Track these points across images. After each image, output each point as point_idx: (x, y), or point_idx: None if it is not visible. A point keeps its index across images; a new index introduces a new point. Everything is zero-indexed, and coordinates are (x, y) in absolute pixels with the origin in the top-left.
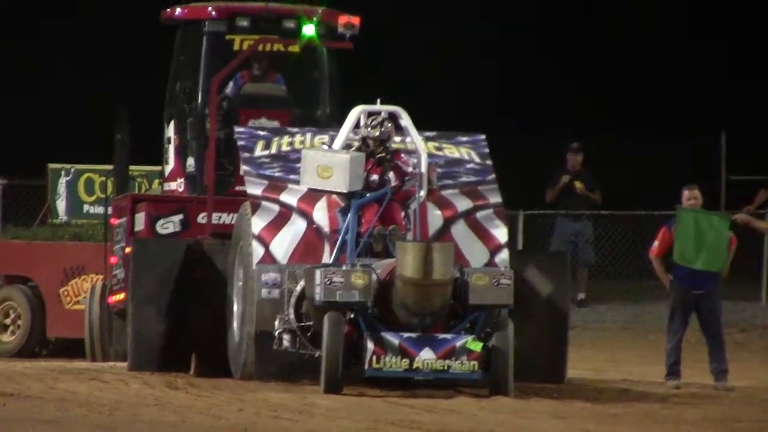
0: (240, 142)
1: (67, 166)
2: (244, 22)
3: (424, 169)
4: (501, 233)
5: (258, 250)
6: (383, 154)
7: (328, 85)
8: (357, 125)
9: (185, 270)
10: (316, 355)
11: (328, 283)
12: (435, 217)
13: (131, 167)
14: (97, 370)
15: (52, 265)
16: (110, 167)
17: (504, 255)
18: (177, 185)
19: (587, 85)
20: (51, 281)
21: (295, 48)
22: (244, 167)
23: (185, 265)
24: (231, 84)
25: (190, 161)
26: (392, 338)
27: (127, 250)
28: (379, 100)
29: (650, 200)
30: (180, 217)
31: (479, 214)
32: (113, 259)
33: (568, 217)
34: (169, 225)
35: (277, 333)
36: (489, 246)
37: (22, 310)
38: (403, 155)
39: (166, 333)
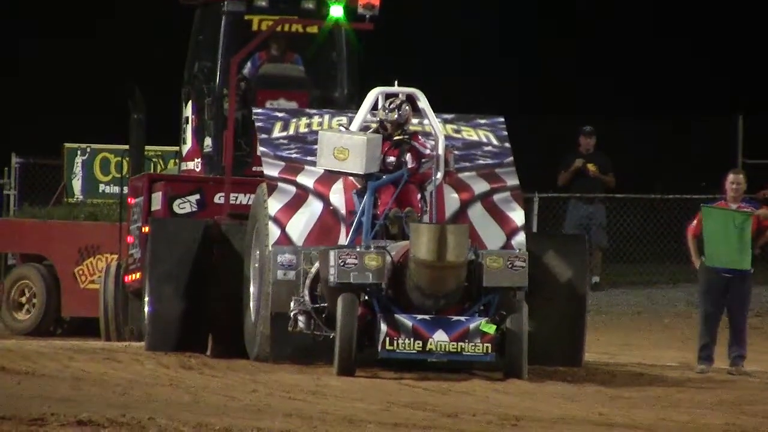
0: (258, 124)
1: (83, 145)
2: (262, 2)
3: (441, 151)
4: (518, 216)
5: (274, 232)
6: (401, 137)
7: (347, 66)
8: (375, 107)
9: (203, 250)
10: (331, 336)
11: (342, 264)
12: (452, 199)
13: (147, 147)
14: (111, 350)
15: (68, 245)
16: (126, 147)
17: (520, 238)
18: (194, 165)
19: (603, 67)
20: (66, 260)
21: (313, 29)
22: (261, 148)
23: (203, 246)
24: (249, 64)
25: (208, 141)
26: (406, 320)
27: (144, 229)
28: (396, 82)
29: (665, 183)
30: (197, 197)
31: (496, 197)
32: (130, 239)
33: (581, 200)
34: (186, 205)
35: (292, 314)
36: (505, 229)
37: (38, 289)
38: (420, 137)
39: (183, 313)
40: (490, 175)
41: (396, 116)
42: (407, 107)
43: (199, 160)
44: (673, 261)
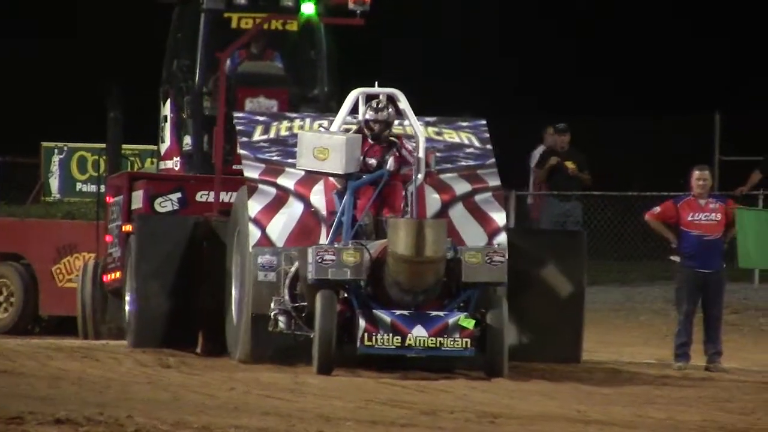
0: (239, 127)
1: (60, 144)
2: (242, 0)
3: (421, 152)
4: (499, 216)
5: (254, 233)
6: (392, 138)
7: (326, 64)
8: (355, 108)
9: (191, 247)
10: (311, 336)
11: (319, 261)
12: (433, 200)
13: (124, 146)
14: (89, 348)
15: (45, 243)
16: (103, 146)
17: (502, 238)
18: (173, 164)
19: (579, 65)
20: (44, 259)
21: (292, 26)
22: (241, 151)
23: (191, 242)
24: (229, 63)
25: (187, 139)
26: (384, 315)
27: (124, 228)
28: (377, 83)
29: (641, 181)
30: (178, 195)
31: (478, 198)
32: (108, 238)
33: (558, 197)
34: (167, 203)
35: (272, 314)
36: (487, 229)
37: (15, 287)
38: (402, 137)
39: (169, 310)
40: (472, 176)
41: (386, 115)
42: (392, 107)
43: (178, 158)
44: (650, 258)
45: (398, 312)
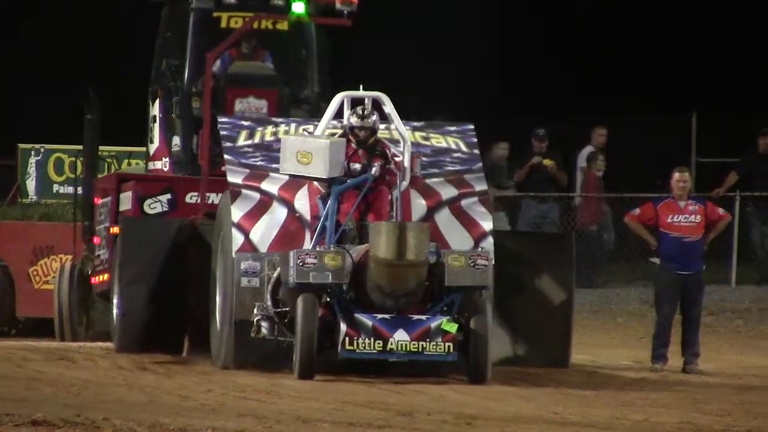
0: (223, 132)
1: (37, 146)
2: None
3: (407, 156)
4: (486, 221)
5: (238, 238)
6: (374, 144)
7: (317, 64)
8: (339, 114)
9: (176, 250)
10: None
11: (301, 264)
12: (418, 205)
13: (101, 147)
14: (66, 350)
15: (22, 245)
16: (80, 147)
17: (488, 243)
18: (162, 165)
19: (556, 67)
20: (20, 261)
21: (283, 26)
22: (226, 156)
23: (176, 245)
24: (218, 62)
25: (176, 140)
26: (366, 319)
27: (112, 230)
28: (361, 86)
29: (619, 182)
30: (168, 196)
31: (464, 202)
32: (96, 240)
33: (534, 198)
34: (156, 205)
35: (255, 320)
36: (473, 234)
37: None
38: (387, 142)
39: (154, 314)
40: (459, 181)
41: (371, 122)
42: (376, 113)
43: (167, 159)
44: (627, 260)
45: (380, 316)
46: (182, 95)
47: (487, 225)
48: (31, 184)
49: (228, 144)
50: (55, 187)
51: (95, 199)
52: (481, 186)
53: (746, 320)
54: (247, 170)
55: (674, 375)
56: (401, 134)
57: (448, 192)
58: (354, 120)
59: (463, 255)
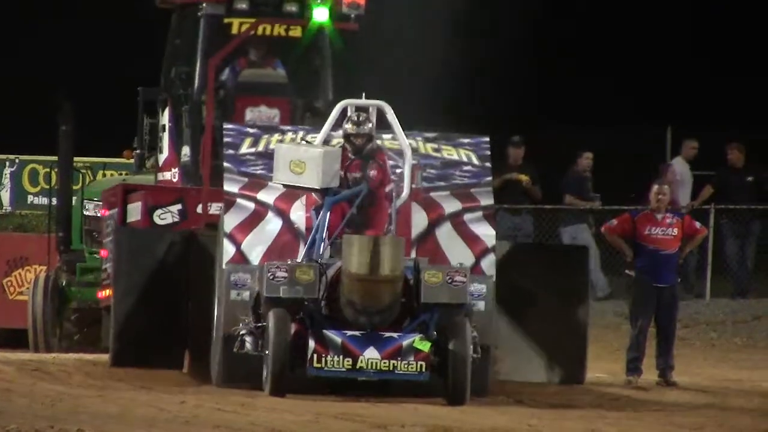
0: (226, 139)
1: (12, 156)
2: (242, 5)
3: (407, 167)
4: (488, 237)
5: (229, 249)
6: (371, 153)
7: (331, 72)
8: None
9: (176, 262)
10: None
11: (271, 278)
12: (419, 218)
13: (75, 158)
14: (40, 361)
15: None
16: (55, 158)
17: (490, 260)
18: (171, 175)
19: (539, 78)
20: None
21: (296, 32)
22: (225, 164)
23: (176, 257)
24: (228, 71)
25: (186, 150)
26: (335, 336)
27: None
28: (363, 94)
29: (593, 194)
30: (179, 207)
31: (467, 216)
32: (103, 253)
33: (508, 210)
34: (167, 215)
35: (239, 334)
36: (475, 250)
37: None
38: (387, 152)
39: (152, 328)
40: (464, 195)
41: (367, 128)
42: (372, 120)
43: (177, 169)
44: (603, 272)
45: (350, 333)
46: (192, 104)
47: (489, 241)
48: (5, 195)
49: (230, 151)
50: (30, 198)
51: (102, 212)
52: (487, 200)
53: (720, 333)
54: (245, 179)
55: (648, 387)
56: (402, 144)
57: (451, 206)
58: (349, 127)
59: (440, 271)
